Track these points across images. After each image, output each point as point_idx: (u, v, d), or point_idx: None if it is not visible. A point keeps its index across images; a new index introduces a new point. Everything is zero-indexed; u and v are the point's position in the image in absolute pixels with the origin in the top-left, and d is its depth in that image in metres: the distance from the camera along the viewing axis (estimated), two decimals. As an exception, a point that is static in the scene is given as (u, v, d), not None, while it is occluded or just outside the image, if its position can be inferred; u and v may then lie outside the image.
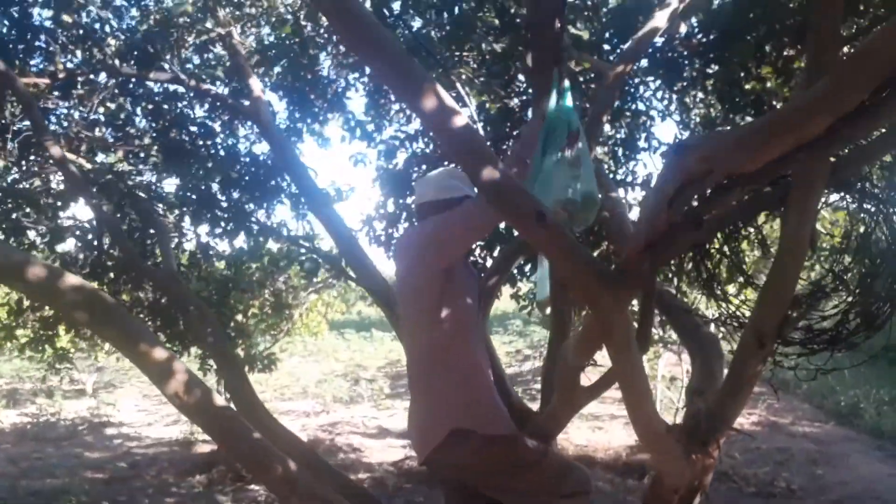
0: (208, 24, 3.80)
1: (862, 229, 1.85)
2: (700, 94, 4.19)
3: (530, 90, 3.28)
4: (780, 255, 1.80)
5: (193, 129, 5.09)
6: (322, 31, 4.33)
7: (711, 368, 2.19)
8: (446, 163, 4.98)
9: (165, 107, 4.89)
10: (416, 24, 3.89)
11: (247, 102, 3.61)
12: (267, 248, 6.60)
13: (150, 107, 4.91)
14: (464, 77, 3.48)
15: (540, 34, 2.21)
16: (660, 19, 2.97)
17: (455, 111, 1.49)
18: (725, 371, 2.11)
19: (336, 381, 10.85)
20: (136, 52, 3.82)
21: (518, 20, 3.31)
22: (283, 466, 1.81)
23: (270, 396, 10.09)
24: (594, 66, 3.15)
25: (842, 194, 1.86)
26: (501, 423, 2.11)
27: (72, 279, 1.65)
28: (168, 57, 3.85)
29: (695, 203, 1.47)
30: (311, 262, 5.10)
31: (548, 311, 2.97)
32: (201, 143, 5.07)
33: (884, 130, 1.65)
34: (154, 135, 4.87)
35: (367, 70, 3.91)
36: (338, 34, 2.26)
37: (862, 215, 1.86)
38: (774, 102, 3.40)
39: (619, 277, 1.57)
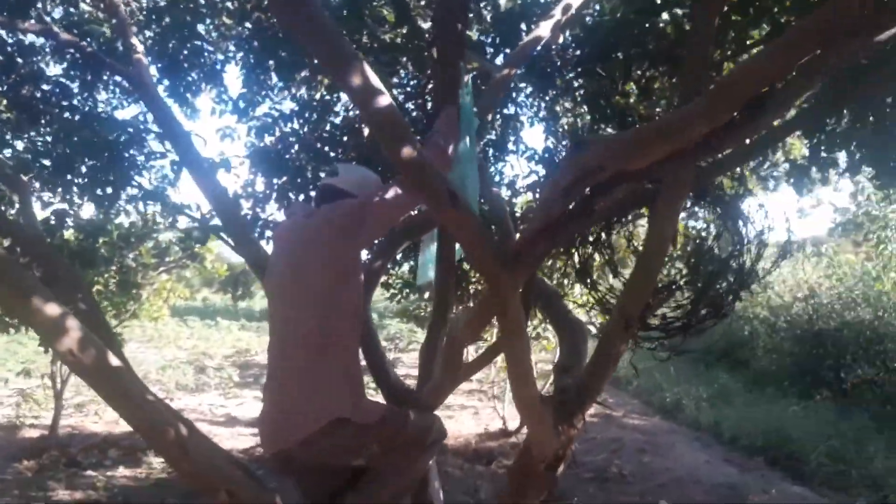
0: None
1: (713, 232, 2.15)
2: (568, 104, 4.50)
3: (431, 83, 3.40)
4: (646, 249, 2.05)
5: (47, 87, 4.76)
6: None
7: (578, 348, 2.42)
8: (321, 146, 5.02)
9: (19, 60, 4.53)
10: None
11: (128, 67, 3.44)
12: (118, 221, 6.27)
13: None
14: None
15: (447, 27, 2.34)
16: (544, 29, 3.18)
17: (380, 90, 1.57)
18: (590, 351, 2.33)
19: (180, 369, 10.40)
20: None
21: (413, 13, 3.42)
22: (175, 430, 1.81)
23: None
24: (481, 67, 3.32)
25: (698, 201, 2.15)
26: (374, 410, 2.15)
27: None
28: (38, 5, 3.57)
29: (586, 194, 1.65)
30: (202, 230, 4.84)
31: (427, 293, 3.10)
32: (58, 102, 4.75)
33: (737, 146, 1.94)
34: (3, 89, 4.49)
35: (253, 43, 3.84)
36: (272, 9, 2.21)
37: (711, 219, 2.16)
38: (635, 117, 3.77)
39: (516, 258, 1.73)
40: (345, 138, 4.93)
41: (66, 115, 4.75)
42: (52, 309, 1.62)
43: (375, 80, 1.57)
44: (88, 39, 4.02)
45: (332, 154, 4.94)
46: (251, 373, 10.46)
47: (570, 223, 1.67)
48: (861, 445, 6.10)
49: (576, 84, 3.82)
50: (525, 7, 3.53)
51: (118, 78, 5.26)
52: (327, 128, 5.10)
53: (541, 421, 2.12)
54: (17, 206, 3.53)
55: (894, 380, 7.50)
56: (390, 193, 2.12)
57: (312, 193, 5.10)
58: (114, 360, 1.71)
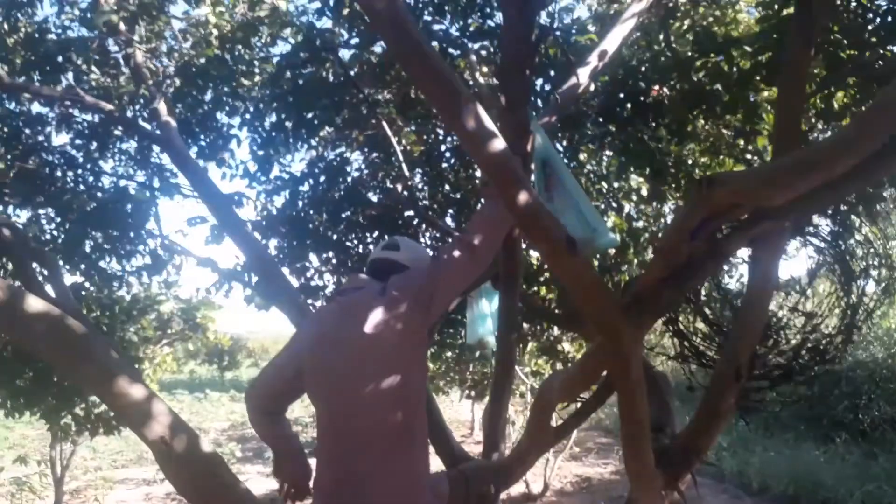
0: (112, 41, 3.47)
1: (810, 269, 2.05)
2: (594, 148, 4.42)
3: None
4: (751, 292, 1.93)
5: (51, 157, 4.62)
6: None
7: (667, 404, 2.27)
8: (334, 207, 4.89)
9: (26, 131, 4.40)
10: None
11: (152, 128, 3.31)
12: (119, 294, 6.05)
13: (5, 129, 4.40)
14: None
15: (513, 76, 2.26)
16: (582, 75, 3.13)
17: (495, 133, 1.47)
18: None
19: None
20: (38, 60, 3.36)
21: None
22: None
23: (102, 464, 9.09)
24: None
25: (797, 236, 2.05)
26: (442, 495, 1.97)
27: (36, 302, 1.39)
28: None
29: (715, 236, 1.54)
30: (225, 275, 4.61)
31: (481, 351, 2.94)
32: (64, 173, 4.61)
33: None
34: (9, 161, 4.35)
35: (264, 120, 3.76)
36: (388, 46, 2.10)
37: (811, 256, 2.06)
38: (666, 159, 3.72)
39: (640, 309, 1.60)
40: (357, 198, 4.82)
41: (71, 185, 4.61)
42: (139, 391, 1.45)
43: (489, 122, 1.46)
44: (116, 102, 3.89)
45: (345, 215, 4.82)
46: (250, 446, 10.05)
47: (699, 268, 1.55)
48: (896, 487, 5.95)
49: (608, 129, 3.76)
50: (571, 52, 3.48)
51: (125, 146, 5.18)
52: (341, 188, 4.99)
53: (650, 487, 1.95)
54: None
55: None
56: (456, 259, 1.90)
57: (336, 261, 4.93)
58: (206, 447, 1.53)
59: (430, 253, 2.18)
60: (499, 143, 1.46)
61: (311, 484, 1.94)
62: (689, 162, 4.08)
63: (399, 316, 1.82)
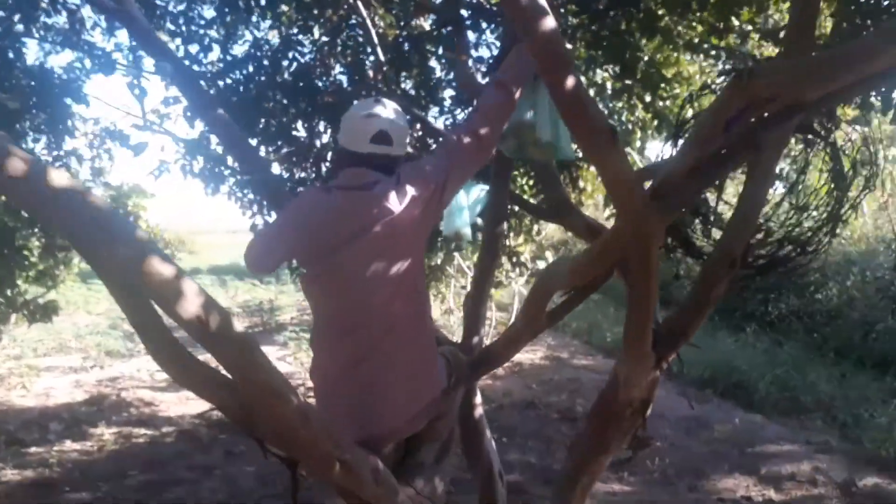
0: None
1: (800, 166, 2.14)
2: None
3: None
4: (751, 184, 2.01)
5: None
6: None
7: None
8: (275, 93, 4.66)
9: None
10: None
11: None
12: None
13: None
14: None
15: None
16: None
17: (547, 12, 1.42)
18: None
19: (104, 335, 9.77)
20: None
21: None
22: (296, 396, 1.64)
23: (23, 353, 8.82)
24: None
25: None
26: (443, 371, 2.15)
27: (59, 177, 1.29)
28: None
29: (751, 127, 1.57)
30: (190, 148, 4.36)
31: (457, 243, 2.95)
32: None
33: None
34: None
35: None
36: None
37: (803, 152, 2.15)
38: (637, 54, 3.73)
39: (666, 199, 1.64)
40: (300, 84, 4.61)
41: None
42: (171, 271, 1.40)
43: (544, 2, 1.41)
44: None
45: (285, 102, 4.62)
46: (178, 335, 9.94)
47: (731, 160, 1.60)
48: (801, 373, 6.54)
49: (580, 21, 3.70)
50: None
51: (49, 21, 4.72)
52: (285, 75, 4.74)
53: (644, 366, 2.07)
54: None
55: (818, 310, 8.06)
56: (466, 148, 1.99)
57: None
58: (237, 326, 1.51)
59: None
60: (551, 22, 1.41)
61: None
62: (657, 58, 4.11)
63: (417, 205, 1.93)
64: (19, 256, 4.95)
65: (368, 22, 3.25)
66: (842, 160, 1.99)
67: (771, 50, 3.76)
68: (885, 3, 2.20)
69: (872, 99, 2.03)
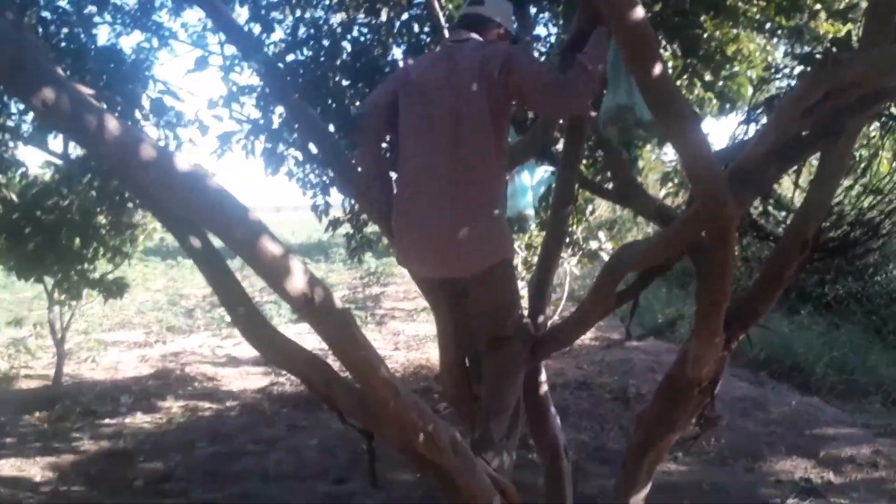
0: None
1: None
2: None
3: None
4: (824, 168, 2.03)
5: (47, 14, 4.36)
6: None
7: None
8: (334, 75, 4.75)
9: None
10: None
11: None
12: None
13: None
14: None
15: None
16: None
17: (638, 3, 1.47)
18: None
19: (170, 310, 10.13)
20: None
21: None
22: (388, 371, 1.74)
23: (90, 327, 9.20)
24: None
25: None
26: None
27: (148, 149, 1.39)
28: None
29: (833, 113, 1.60)
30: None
31: (520, 224, 3.01)
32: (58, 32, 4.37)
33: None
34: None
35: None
36: None
37: (878, 136, 2.15)
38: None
39: (745, 181, 1.68)
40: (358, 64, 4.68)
41: (64, 44, 4.37)
42: (277, 249, 1.51)
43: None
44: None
45: (345, 84, 4.70)
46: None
47: (811, 145, 1.63)
48: (859, 355, 6.45)
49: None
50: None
51: (119, 2, 4.87)
52: (344, 56, 4.81)
53: (714, 346, 2.12)
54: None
55: (877, 292, 7.89)
56: (539, 72, 2.18)
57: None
58: (338, 303, 1.61)
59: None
60: (640, 10, 1.46)
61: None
62: (718, 36, 4.07)
63: (479, 75, 2.20)
64: (98, 235, 5.18)
65: (435, 2, 3.32)
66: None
67: (839, 27, 3.70)
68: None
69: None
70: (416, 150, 2.33)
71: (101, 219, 6.21)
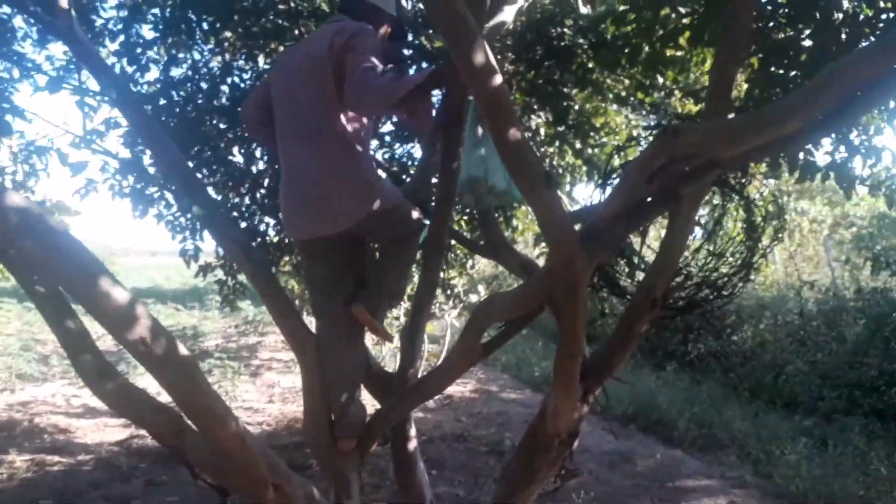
0: None
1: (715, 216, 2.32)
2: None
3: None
4: (672, 232, 2.17)
5: None
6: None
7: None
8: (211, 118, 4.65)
9: None
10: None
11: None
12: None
13: None
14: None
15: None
16: (508, 13, 3.17)
17: (496, 69, 1.54)
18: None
19: (15, 357, 9.31)
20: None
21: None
22: (235, 421, 1.66)
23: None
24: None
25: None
26: (394, 195, 2.58)
27: (11, 194, 1.30)
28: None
29: (673, 180, 1.72)
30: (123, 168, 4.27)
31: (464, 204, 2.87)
32: None
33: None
34: None
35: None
36: None
37: (719, 204, 2.33)
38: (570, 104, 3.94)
39: (594, 241, 1.77)
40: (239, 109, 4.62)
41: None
42: (121, 294, 1.43)
43: (492, 59, 1.53)
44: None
45: (222, 126, 4.62)
46: (100, 360, 9.57)
47: (654, 208, 1.74)
48: (717, 410, 6.83)
49: (517, 69, 3.88)
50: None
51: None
52: (223, 100, 4.73)
53: (572, 398, 2.18)
54: None
55: (734, 351, 8.44)
56: (362, 68, 2.25)
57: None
58: (183, 350, 1.54)
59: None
60: (498, 79, 1.53)
61: None
62: (588, 108, 4.33)
63: (333, 34, 2.35)
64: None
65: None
66: (754, 212, 2.17)
67: (692, 105, 4.03)
68: (792, 74, 2.45)
69: (780, 160, 2.24)
70: (279, 128, 2.55)
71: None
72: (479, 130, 2.43)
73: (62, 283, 1.38)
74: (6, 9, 4.16)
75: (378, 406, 2.74)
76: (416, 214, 2.62)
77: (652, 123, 4.75)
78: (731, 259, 2.26)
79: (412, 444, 2.84)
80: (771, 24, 2.44)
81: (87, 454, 5.81)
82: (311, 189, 2.43)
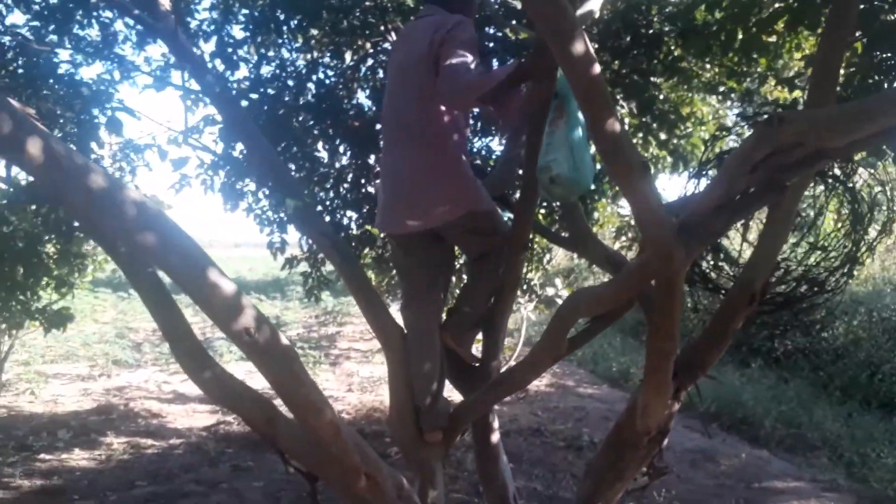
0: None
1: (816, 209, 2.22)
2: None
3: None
4: (772, 224, 2.08)
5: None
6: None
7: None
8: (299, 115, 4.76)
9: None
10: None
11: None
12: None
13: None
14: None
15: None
16: (595, 2, 3.11)
17: (595, 59, 1.51)
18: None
19: (116, 343, 9.83)
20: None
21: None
22: (331, 411, 1.70)
23: (31, 358, 8.87)
24: (533, 39, 3.26)
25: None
26: (489, 200, 2.66)
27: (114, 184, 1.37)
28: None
29: (777, 170, 1.65)
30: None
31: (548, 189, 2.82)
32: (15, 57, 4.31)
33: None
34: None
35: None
36: None
37: (823, 194, 2.23)
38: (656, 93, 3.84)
39: (692, 234, 1.72)
40: (323, 106, 4.71)
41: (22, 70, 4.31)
42: (227, 286, 1.48)
43: (591, 48, 1.50)
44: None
45: (309, 123, 4.72)
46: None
47: (756, 200, 1.67)
48: (806, 410, 6.56)
49: (603, 59, 3.81)
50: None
51: (82, 33, 4.84)
52: (309, 96, 4.83)
53: (664, 395, 2.13)
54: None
55: (824, 348, 8.07)
56: (456, 65, 2.26)
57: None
58: (284, 340, 1.58)
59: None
60: (597, 68, 1.50)
61: None
62: (673, 97, 4.21)
63: (434, 27, 2.37)
64: (42, 264, 5.02)
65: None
66: (860, 203, 2.06)
67: (784, 92, 3.86)
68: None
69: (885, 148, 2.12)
70: (382, 124, 2.66)
71: (49, 248, 6.05)
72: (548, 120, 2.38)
73: (173, 275, 1.43)
74: (108, 13, 4.35)
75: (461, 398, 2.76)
76: (505, 226, 2.64)
77: (742, 112, 4.58)
78: (833, 253, 2.16)
79: (495, 437, 2.84)
80: (879, 2, 2.30)
81: (178, 438, 6.09)
82: (403, 186, 2.47)
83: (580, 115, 2.27)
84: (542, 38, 2.07)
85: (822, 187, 2.23)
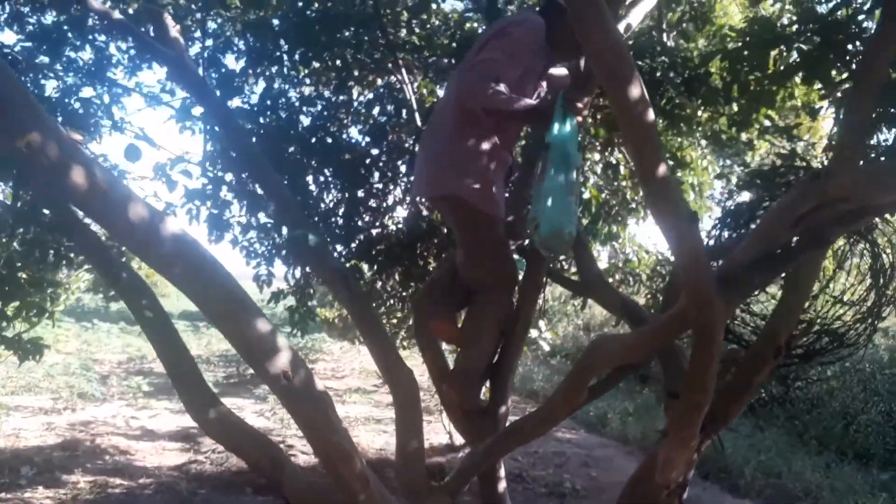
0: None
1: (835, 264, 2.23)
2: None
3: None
4: (797, 279, 2.08)
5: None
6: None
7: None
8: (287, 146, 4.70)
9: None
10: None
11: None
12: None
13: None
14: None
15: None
16: (635, 17, 3.02)
17: (650, 105, 1.50)
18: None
19: (76, 376, 9.49)
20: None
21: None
22: (360, 461, 1.62)
23: (-10, 390, 8.51)
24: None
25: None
26: (497, 206, 2.62)
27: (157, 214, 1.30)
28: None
29: (820, 225, 1.65)
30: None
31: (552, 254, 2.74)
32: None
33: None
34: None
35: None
36: None
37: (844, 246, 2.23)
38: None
39: (733, 286, 1.69)
40: (312, 140, 4.67)
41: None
42: (263, 325, 1.40)
43: (646, 93, 1.49)
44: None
45: (300, 157, 4.67)
46: (157, 381, 9.70)
47: (799, 253, 1.66)
48: (786, 459, 6.56)
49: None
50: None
51: (74, 55, 4.75)
52: (299, 128, 4.79)
53: (688, 447, 2.09)
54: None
55: (799, 397, 8.13)
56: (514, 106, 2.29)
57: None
58: (319, 385, 1.50)
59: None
60: (651, 115, 1.49)
61: None
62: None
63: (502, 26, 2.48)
64: (21, 291, 4.83)
65: (408, 87, 3.34)
66: (881, 258, 2.07)
67: (784, 145, 3.93)
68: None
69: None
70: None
71: (22, 274, 5.83)
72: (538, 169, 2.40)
73: (207, 310, 1.35)
74: (102, 37, 4.29)
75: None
76: (514, 267, 2.60)
77: (729, 162, 4.65)
78: (854, 306, 2.16)
79: (502, 485, 2.77)
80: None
81: (148, 477, 5.83)
82: (428, 153, 2.61)
83: (565, 161, 2.23)
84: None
85: (844, 239, 2.23)
